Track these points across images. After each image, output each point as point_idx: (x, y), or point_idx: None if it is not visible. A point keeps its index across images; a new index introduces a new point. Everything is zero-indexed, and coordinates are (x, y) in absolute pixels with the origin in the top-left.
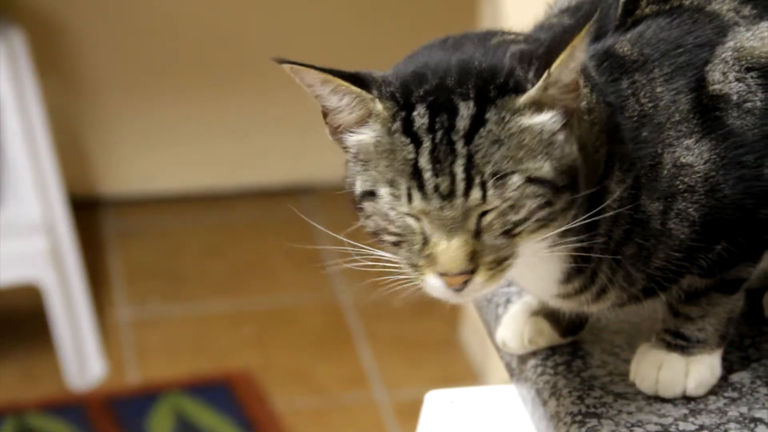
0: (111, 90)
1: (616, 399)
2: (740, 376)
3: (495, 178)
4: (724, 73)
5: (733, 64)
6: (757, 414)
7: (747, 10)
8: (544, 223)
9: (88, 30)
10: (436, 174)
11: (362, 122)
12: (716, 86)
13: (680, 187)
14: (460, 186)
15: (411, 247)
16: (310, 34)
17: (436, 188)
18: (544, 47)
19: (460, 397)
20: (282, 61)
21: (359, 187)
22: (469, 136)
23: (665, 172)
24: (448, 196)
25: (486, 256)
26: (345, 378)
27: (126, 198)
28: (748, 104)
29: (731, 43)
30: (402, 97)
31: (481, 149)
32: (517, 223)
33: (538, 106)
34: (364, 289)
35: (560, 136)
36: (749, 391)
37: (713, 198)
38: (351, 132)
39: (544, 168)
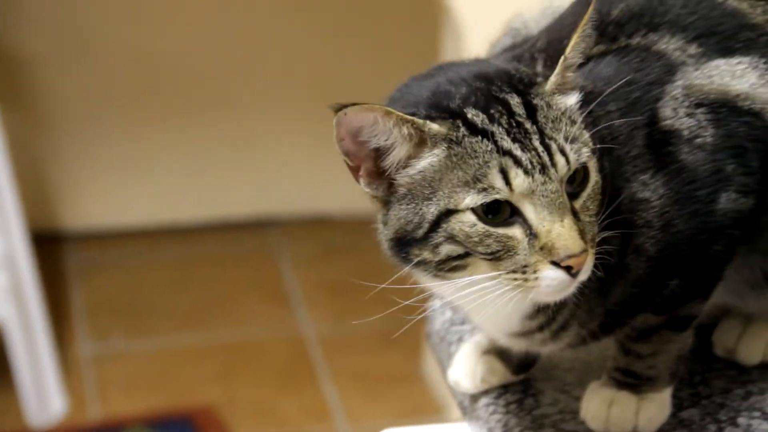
0: (73, 123)
1: None
2: (690, 413)
3: (569, 142)
4: (674, 110)
5: (683, 101)
6: None
7: (693, 49)
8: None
9: (50, 62)
10: (523, 150)
11: (419, 150)
12: (667, 122)
13: (638, 222)
14: (545, 157)
15: (516, 250)
16: (274, 67)
17: (532, 163)
18: (542, 41)
19: None
20: (339, 108)
21: (431, 214)
22: (532, 117)
23: (623, 207)
24: (543, 169)
25: (588, 233)
26: (308, 412)
27: (88, 232)
28: (699, 140)
29: (681, 82)
30: (443, 111)
31: (546, 125)
32: (598, 199)
33: (561, 90)
34: (328, 322)
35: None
36: (699, 427)
37: (668, 233)
38: (409, 164)
39: (590, 141)
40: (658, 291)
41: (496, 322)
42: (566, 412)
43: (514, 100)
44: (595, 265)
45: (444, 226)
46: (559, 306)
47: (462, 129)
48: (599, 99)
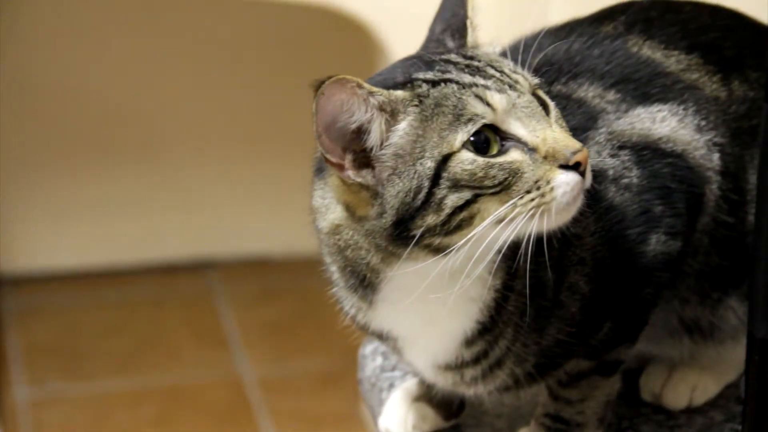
0: (11, 166)
1: None
2: None
3: (519, 66)
4: (598, 152)
5: (606, 144)
6: None
7: (611, 96)
8: None
9: None
10: (486, 78)
11: (395, 121)
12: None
13: (572, 259)
14: (506, 78)
15: (522, 170)
16: (213, 110)
17: (500, 83)
18: (440, 27)
19: None
20: (319, 84)
21: (428, 168)
22: (474, 59)
23: (555, 242)
24: (512, 86)
25: (576, 137)
26: None
27: (25, 275)
28: (625, 180)
29: (603, 128)
30: (395, 85)
31: (490, 62)
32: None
33: (477, 45)
34: (267, 364)
35: None
36: None
37: (601, 272)
38: (389, 136)
39: None
40: (591, 333)
41: (431, 350)
42: None
43: (451, 56)
44: (530, 295)
45: (445, 175)
46: (498, 335)
47: (423, 86)
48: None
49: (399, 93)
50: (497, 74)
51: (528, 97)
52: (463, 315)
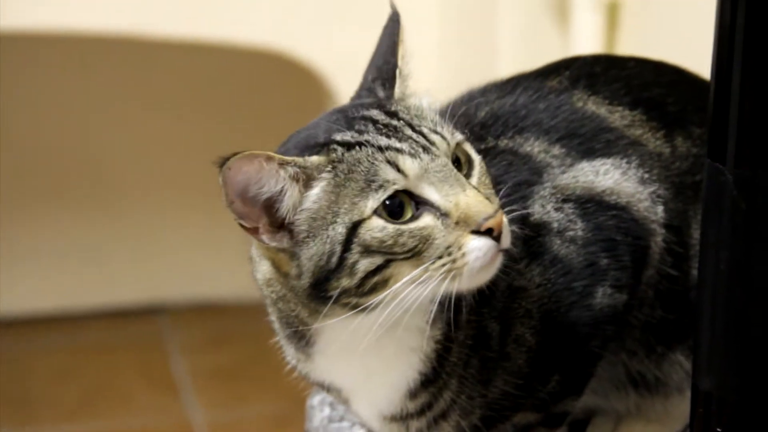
0: None
1: None
2: None
3: (438, 126)
4: (542, 205)
5: (550, 198)
6: None
7: (556, 150)
8: None
9: None
10: (401, 140)
11: (308, 186)
12: (536, 216)
13: (518, 311)
14: (422, 140)
15: (433, 236)
16: (164, 156)
17: (413, 148)
18: (372, 74)
19: None
20: (223, 161)
21: (339, 234)
22: (395, 117)
23: (499, 293)
24: (426, 150)
25: (494, 200)
26: None
27: None
28: (570, 233)
29: (548, 183)
30: (314, 147)
31: (411, 119)
32: (489, 179)
33: (406, 96)
34: (218, 409)
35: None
36: None
37: (548, 325)
38: (303, 202)
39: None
40: (539, 385)
41: (376, 402)
42: None
43: (373, 112)
44: (477, 344)
45: (355, 240)
46: (442, 386)
47: (338, 149)
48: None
49: (314, 159)
50: (414, 135)
51: (443, 160)
52: (404, 366)
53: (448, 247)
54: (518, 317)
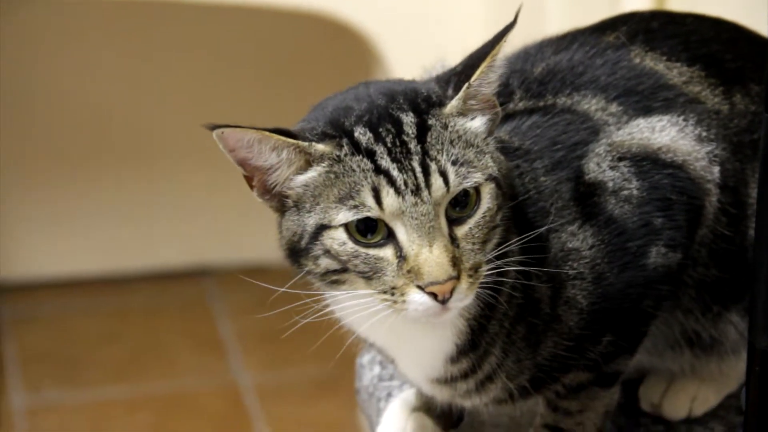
0: (6, 175)
1: None
2: None
3: (456, 165)
4: (597, 164)
5: (606, 155)
6: None
7: (613, 108)
8: (500, 228)
9: None
10: (400, 170)
11: (305, 167)
12: (591, 175)
13: (569, 272)
14: (421, 179)
15: (384, 271)
16: (209, 119)
17: (405, 184)
18: (460, 66)
19: None
20: (214, 127)
21: (310, 226)
22: (421, 137)
23: (551, 255)
24: (416, 191)
25: (465, 262)
26: None
27: (21, 283)
28: (625, 192)
29: (604, 140)
30: (336, 129)
31: (434, 146)
32: (489, 227)
33: (464, 112)
34: (264, 371)
35: (492, 144)
36: None
37: (600, 286)
38: (292, 179)
39: (492, 166)
40: (590, 346)
41: (419, 365)
42: None
43: (408, 118)
44: (524, 309)
45: (320, 239)
46: (484, 354)
47: (345, 148)
48: (525, 156)
49: (320, 147)
50: (417, 169)
51: (426, 208)
52: (437, 337)
53: (393, 287)
54: (570, 279)
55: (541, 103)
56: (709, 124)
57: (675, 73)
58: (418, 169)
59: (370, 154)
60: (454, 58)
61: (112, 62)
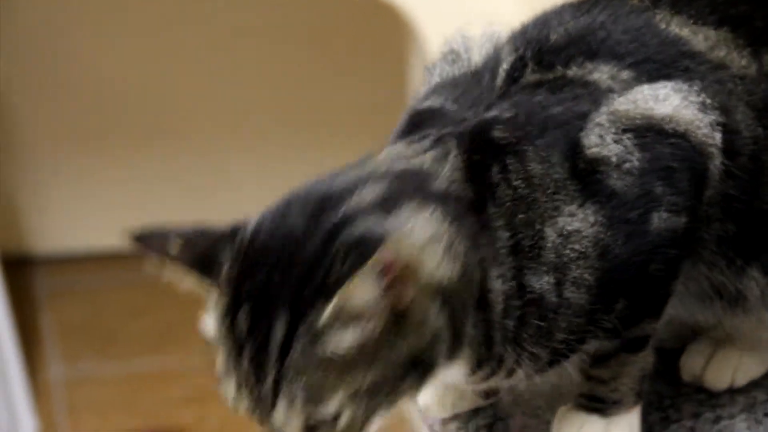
0: (41, 147)
1: None
2: None
3: (304, 403)
4: (600, 136)
5: (609, 127)
6: None
7: (625, 74)
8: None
9: (17, 86)
10: (250, 391)
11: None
12: (593, 149)
13: (571, 255)
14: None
15: None
16: (239, 93)
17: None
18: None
19: None
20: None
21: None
22: (282, 353)
23: (550, 245)
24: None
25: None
26: None
27: (57, 256)
28: (627, 164)
29: (605, 108)
30: (232, 288)
31: (287, 374)
32: None
33: (345, 323)
34: None
35: (386, 340)
36: None
37: (605, 260)
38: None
39: (370, 377)
40: (605, 316)
41: (445, 380)
42: None
43: (280, 322)
44: (526, 314)
45: None
46: (499, 359)
47: (228, 320)
48: (517, 145)
49: (215, 294)
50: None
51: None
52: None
53: None
54: (573, 261)
55: (551, 75)
56: (716, 91)
57: (700, 38)
58: (268, 400)
59: (240, 347)
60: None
61: (149, 34)
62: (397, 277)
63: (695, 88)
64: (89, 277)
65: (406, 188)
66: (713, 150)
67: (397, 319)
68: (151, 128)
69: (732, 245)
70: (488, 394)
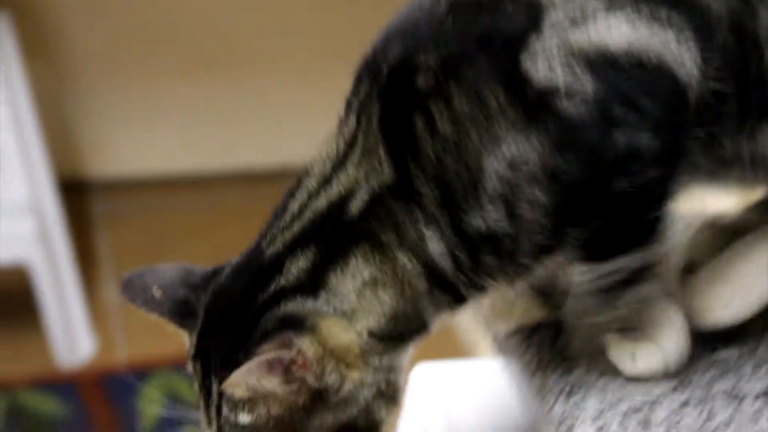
0: (98, 73)
1: (599, 376)
2: (726, 354)
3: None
4: (549, 67)
5: (558, 53)
6: (744, 388)
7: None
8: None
9: (74, 13)
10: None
11: None
12: (543, 83)
13: (519, 178)
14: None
15: None
16: (293, 21)
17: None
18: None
19: (448, 370)
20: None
21: None
22: (219, 411)
23: (492, 176)
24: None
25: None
26: None
27: (114, 180)
28: (579, 96)
29: (551, 32)
30: (195, 340)
31: (225, 426)
32: None
33: (236, 403)
34: None
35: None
36: (736, 367)
37: (560, 181)
38: None
39: None
40: (572, 227)
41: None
42: (598, 352)
43: (215, 384)
44: (478, 249)
45: None
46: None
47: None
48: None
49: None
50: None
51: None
52: None
53: None
54: (522, 184)
55: None
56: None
57: None
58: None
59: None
60: None
61: None
62: (293, 366)
63: (644, 12)
64: (146, 200)
65: (326, 241)
66: (677, 64)
67: (318, 394)
68: (208, 52)
69: (741, 116)
70: (553, 307)
